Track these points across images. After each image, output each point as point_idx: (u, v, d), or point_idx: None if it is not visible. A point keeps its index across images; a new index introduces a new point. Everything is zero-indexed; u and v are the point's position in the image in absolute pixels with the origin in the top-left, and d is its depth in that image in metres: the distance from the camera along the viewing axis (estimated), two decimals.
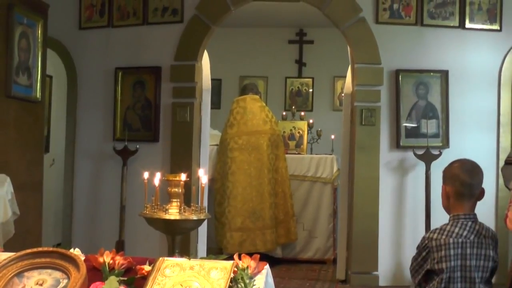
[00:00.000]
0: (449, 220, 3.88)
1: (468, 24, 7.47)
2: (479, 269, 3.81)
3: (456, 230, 3.80)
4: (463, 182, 3.85)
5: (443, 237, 3.80)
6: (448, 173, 3.96)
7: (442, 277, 3.76)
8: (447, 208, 3.98)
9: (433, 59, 7.48)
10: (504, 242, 6.83)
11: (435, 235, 3.84)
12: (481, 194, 3.93)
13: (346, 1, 7.47)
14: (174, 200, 3.53)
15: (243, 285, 2.81)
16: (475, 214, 3.88)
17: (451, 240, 3.77)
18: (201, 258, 3.09)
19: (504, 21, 7.47)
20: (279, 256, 8.53)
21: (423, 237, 4.02)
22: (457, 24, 7.47)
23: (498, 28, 7.48)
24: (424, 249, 3.88)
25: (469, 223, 3.82)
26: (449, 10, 7.46)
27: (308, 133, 10.35)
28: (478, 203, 3.92)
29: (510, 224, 3.93)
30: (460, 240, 3.77)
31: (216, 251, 7.91)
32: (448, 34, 7.50)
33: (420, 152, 7.27)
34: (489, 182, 7.23)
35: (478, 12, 7.47)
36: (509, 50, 7.48)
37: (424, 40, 7.49)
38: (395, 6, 7.45)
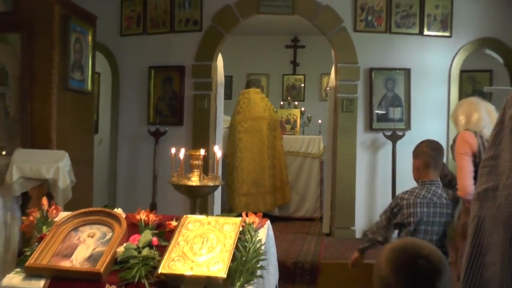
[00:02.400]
0: (418, 185, 3.98)
1: (426, 32, 7.46)
2: (438, 224, 3.89)
3: (423, 193, 3.90)
4: (430, 156, 3.95)
5: (412, 197, 3.90)
6: (418, 150, 4.08)
7: (409, 229, 3.84)
8: (417, 179, 4.06)
9: (398, 60, 7.47)
10: None
11: (406, 195, 3.95)
12: (442, 166, 4.05)
13: (331, 14, 7.44)
14: (195, 170, 3.54)
15: (249, 236, 2.83)
16: (438, 181, 3.99)
17: (418, 200, 3.87)
18: (217, 215, 3.11)
19: (454, 30, 7.46)
20: (276, 214, 8.53)
21: (396, 197, 4.13)
22: (417, 32, 7.46)
23: (449, 35, 7.47)
24: (396, 207, 3.98)
25: (433, 187, 3.92)
26: (411, 21, 7.46)
27: (300, 118, 10.42)
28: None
29: (459, 190, 4.00)
30: (425, 201, 3.86)
31: (228, 211, 7.93)
32: (410, 40, 7.48)
33: (388, 133, 7.27)
34: None
35: (433, 22, 7.46)
36: (457, 52, 7.50)
37: (392, 45, 7.47)
38: (369, 17, 7.44)
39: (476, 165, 4.02)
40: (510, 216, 0.93)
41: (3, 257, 5.40)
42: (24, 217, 3.17)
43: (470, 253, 0.99)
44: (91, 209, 3.16)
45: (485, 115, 4.26)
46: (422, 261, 1.70)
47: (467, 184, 3.95)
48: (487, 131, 4.08)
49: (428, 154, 4.00)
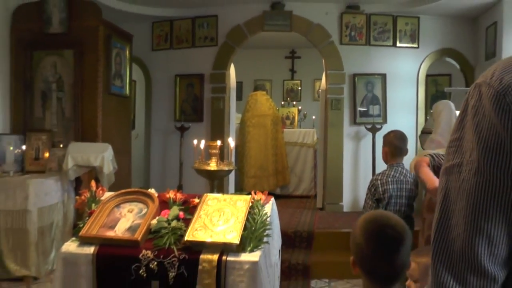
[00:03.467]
0: (387, 168, 3.99)
1: (398, 44, 7.44)
2: (405, 198, 3.91)
3: (392, 173, 3.92)
4: (396, 146, 3.97)
5: (384, 178, 3.93)
6: (386, 140, 4.08)
7: (384, 203, 3.86)
8: (386, 161, 4.08)
9: (376, 67, 7.43)
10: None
11: (379, 177, 3.98)
12: (406, 152, 4.05)
13: (321, 31, 7.41)
14: (213, 157, 3.55)
15: (257, 210, 2.84)
16: (403, 164, 3.99)
17: (389, 179, 3.90)
18: (231, 194, 3.11)
19: (420, 42, 7.45)
20: (278, 193, 8.52)
21: (372, 179, 4.14)
22: (391, 44, 7.44)
23: (417, 46, 7.46)
24: (373, 187, 4.00)
25: (399, 169, 3.96)
26: (386, 35, 7.43)
27: (298, 115, 10.42)
28: (405, 159, 4.07)
29: (430, 186, 3.99)
30: (394, 179, 3.89)
31: (239, 190, 7.94)
32: (385, 51, 7.45)
33: (369, 126, 7.25)
34: (411, 144, 7.22)
35: (404, 36, 7.44)
36: (423, 60, 7.49)
37: (371, 55, 7.44)
38: (352, 33, 7.41)
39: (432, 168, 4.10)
40: (471, 188, 0.94)
41: (62, 229, 5.46)
42: (77, 197, 3.19)
43: (438, 218, 1.00)
44: (130, 189, 3.17)
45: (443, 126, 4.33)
46: (389, 229, 1.71)
47: (433, 179, 3.95)
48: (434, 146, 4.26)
49: (394, 144, 4.02)
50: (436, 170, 4.05)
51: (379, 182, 3.98)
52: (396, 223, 1.74)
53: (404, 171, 4.00)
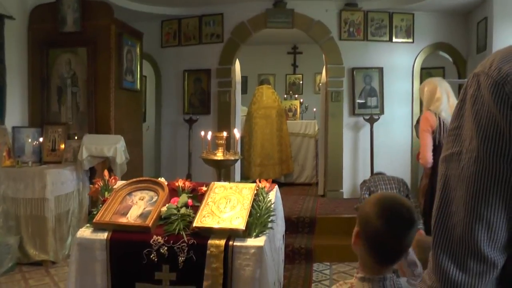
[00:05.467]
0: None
1: (394, 39, 7.37)
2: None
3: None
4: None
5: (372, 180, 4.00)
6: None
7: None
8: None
9: (373, 61, 7.38)
10: (416, 172, 6.86)
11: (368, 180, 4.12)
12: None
13: (321, 27, 7.36)
14: (220, 147, 3.53)
15: (262, 197, 2.83)
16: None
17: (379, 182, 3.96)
18: (237, 182, 3.09)
19: (415, 37, 7.39)
20: (282, 181, 8.52)
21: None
22: (387, 39, 7.37)
23: (412, 41, 7.39)
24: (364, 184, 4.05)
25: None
26: (383, 31, 7.37)
27: (300, 107, 10.39)
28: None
29: (421, 160, 3.99)
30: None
31: (245, 178, 7.93)
32: (382, 45, 7.39)
33: (367, 117, 7.20)
34: (407, 134, 7.25)
35: (400, 32, 7.37)
36: (418, 54, 7.42)
37: (368, 49, 7.38)
38: (351, 29, 7.35)
39: (434, 139, 3.96)
40: (471, 175, 0.91)
41: (77, 216, 5.47)
42: (91, 186, 3.19)
43: (439, 205, 0.98)
44: (141, 178, 3.16)
45: (444, 97, 4.07)
46: (404, 210, 1.67)
47: (427, 156, 3.93)
48: (445, 114, 3.96)
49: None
50: (436, 145, 3.95)
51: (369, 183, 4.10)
52: (411, 207, 1.72)
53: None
